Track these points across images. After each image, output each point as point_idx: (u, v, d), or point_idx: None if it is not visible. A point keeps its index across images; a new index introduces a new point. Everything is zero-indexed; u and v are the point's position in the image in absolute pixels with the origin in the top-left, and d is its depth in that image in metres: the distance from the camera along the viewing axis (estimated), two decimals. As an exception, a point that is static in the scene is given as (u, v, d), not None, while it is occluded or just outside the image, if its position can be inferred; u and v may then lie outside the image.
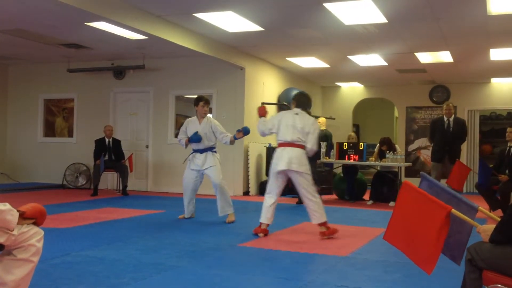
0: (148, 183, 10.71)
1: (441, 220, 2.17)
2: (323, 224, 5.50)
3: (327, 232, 5.50)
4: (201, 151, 6.53)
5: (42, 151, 11.48)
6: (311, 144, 5.48)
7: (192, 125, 6.59)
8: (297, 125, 5.51)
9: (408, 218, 2.41)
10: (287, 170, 5.45)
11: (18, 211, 2.47)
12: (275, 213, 5.62)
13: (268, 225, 5.57)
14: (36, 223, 2.60)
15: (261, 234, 5.52)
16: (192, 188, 6.64)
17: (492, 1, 6.23)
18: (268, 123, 5.71)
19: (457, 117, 8.55)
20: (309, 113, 5.89)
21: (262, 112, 5.86)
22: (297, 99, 5.78)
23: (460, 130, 8.26)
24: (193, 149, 6.63)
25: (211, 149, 6.56)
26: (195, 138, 6.41)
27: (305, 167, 5.46)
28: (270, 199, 5.58)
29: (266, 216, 5.53)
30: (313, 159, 8.83)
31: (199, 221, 6.57)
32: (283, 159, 5.42)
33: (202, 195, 9.79)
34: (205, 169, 6.48)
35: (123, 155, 10.00)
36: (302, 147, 5.50)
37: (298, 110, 5.67)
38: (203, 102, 6.53)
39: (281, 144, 5.55)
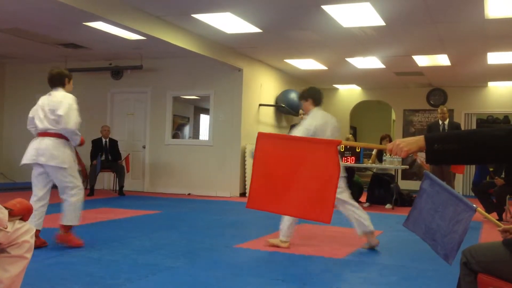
0: (144, 183, 10.70)
1: (332, 156, 2.04)
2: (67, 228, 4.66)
3: (62, 238, 4.65)
4: None
5: (38, 150, 11.44)
6: (63, 124, 4.47)
7: None
8: (46, 107, 4.56)
9: (285, 170, 2.19)
10: (35, 164, 4.57)
11: (6, 208, 2.47)
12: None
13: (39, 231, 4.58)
14: (22, 220, 2.60)
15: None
16: None
17: (490, 5, 6.25)
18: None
19: (451, 121, 8.67)
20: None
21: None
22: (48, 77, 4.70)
23: None
24: None
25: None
26: None
27: (58, 160, 4.52)
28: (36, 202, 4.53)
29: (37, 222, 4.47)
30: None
31: (195, 222, 6.57)
32: (28, 151, 4.55)
33: (199, 196, 9.78)
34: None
35: (120, 156, 9.99)
36: (57, 135, 4.55)
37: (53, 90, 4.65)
38: None
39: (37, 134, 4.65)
